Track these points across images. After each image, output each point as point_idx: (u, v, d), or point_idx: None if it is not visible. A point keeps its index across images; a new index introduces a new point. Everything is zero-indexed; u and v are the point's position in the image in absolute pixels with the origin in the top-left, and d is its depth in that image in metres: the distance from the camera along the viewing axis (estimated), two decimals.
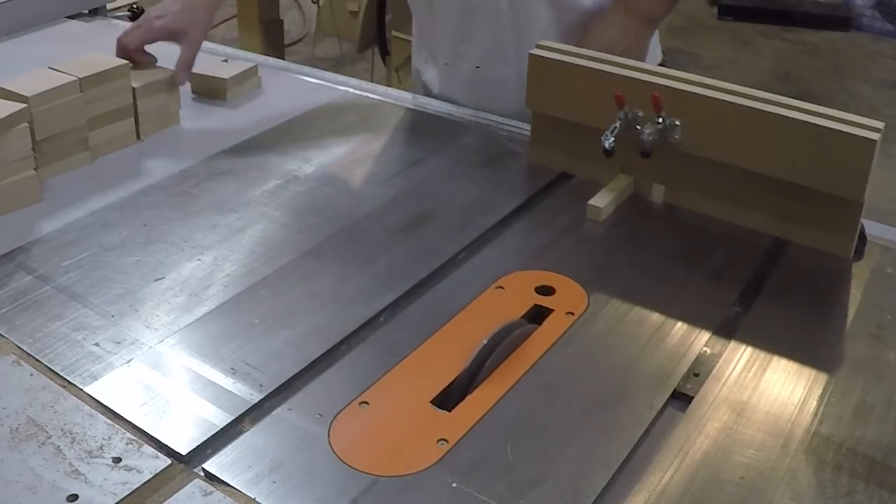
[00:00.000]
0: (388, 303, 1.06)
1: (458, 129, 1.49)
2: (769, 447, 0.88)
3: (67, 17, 1.90)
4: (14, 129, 1.21)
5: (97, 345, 0.98)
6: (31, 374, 0.93)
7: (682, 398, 0.94)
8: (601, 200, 1.25)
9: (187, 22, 1.47)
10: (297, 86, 1.66)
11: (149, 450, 0.85)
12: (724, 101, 1.17)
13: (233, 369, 0.95)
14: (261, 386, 0.93)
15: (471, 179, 1.34)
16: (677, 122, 1.19)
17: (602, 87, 1.23)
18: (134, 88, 1.39)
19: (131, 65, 1.41)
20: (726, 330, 1.04)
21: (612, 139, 1.21)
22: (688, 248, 1.19)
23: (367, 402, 0.91)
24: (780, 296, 1.10)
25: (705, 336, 1.03)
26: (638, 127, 1.21)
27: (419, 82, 1.67)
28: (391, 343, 1.01)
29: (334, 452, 0.85)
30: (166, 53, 1.45)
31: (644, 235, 1.22)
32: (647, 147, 1.20)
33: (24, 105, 1.22)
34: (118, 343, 0.99)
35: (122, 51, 1.47)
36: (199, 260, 1.13)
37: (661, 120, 1.19)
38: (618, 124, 1.21)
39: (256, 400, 0.91)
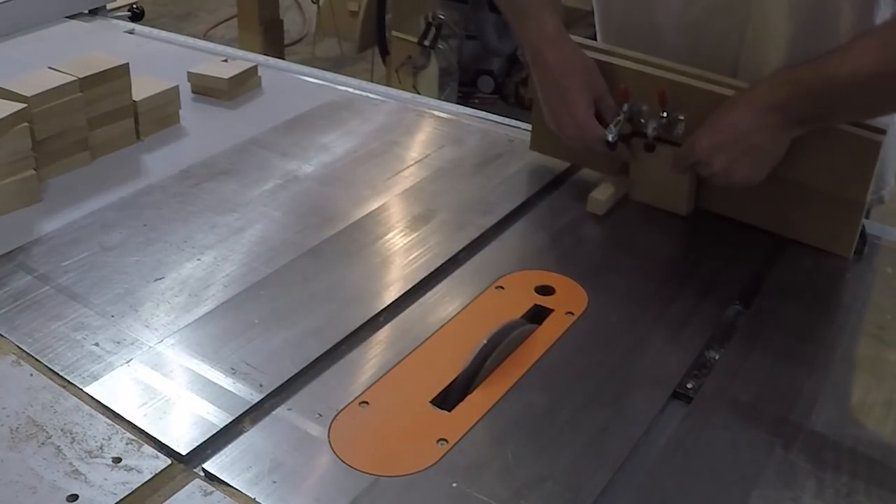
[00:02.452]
0: (388, 303, 1.06)
1: (458, 129, 1.49)
2: (769, 447, 0.88)
3: (67, 17, 1.89)
4: (14, 129, 1.21)
5: (97, 345, 0.98)
6: (31, 374, 0.93)
7: (682, 398, 0.94)
8: (602, 193, 1.24)
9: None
10: (297, 86, 1.66)
11: (149, 450, 0.85)
12: (729, 96, 1.16)
13: (233, 369, 0.95)
14: (261, 386, 0.93)
15: (471, 179, 1.34)
16: (681, 118, 1.18)
17: (607, 81, 1.22)
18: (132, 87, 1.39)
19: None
20: (726, 330, 1.04)
21: (615, 132, 1.20)
22: (688, 248, 1.19)
23: (367, 402, 0.91)
24: (780, 296, 1.10)
25: (705, 336, 1.02)
26: (642, 121, 1.20)
27: None
28: (391, 343, 1.01)
29: (334, 452, 0.85)
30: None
31: (644, 235, 1.22)
32: (651, 142, 1.19)
33: (24, 105, 1.22)
34: (118, 343, 0.99)
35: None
36: (198, 260, 1.13)
37: (665, 115, 1.18)
38: (621, 118, 1.20)
39: (256, 400, 0.91)
